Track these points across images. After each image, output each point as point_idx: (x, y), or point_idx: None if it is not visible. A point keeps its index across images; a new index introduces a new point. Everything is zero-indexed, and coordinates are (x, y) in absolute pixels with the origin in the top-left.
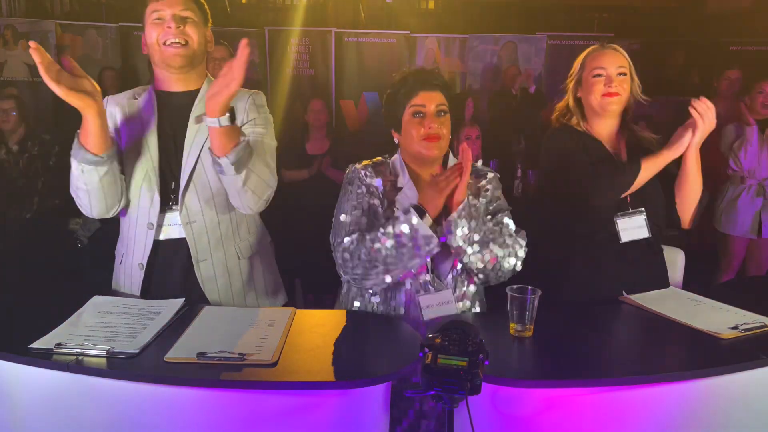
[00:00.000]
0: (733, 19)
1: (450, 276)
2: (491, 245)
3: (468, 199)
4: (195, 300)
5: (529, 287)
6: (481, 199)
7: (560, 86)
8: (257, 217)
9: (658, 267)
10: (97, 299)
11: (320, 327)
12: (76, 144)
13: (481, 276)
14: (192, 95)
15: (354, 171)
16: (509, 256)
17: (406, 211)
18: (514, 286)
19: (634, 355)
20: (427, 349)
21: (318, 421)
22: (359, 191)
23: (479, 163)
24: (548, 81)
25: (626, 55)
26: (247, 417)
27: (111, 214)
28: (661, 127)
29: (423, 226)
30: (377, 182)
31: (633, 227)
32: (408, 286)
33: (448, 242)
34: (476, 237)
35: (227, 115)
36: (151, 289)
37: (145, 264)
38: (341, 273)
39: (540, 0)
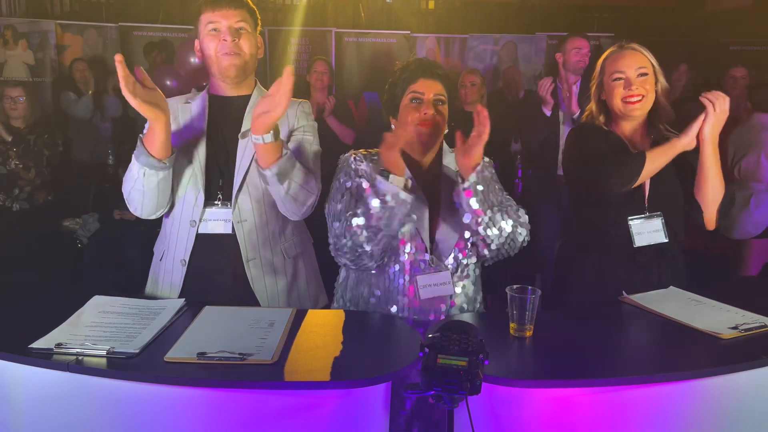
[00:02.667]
0: (733, 19)
1: (451, 256)
2: (504, 214)
3: (483, 162)
4: (243, 299)
5: (529, 287)
6: None
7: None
8: (302, 220)
9: (673, 274)
10: (97, 299)
11: (320, 327)
12: (140, 149)
13: (493, 248)
14: (244, 100)
15: (343, 160)
16: (520, 227)
17: (374, 180)
18: (514, 286)
19: (634, 355)
20: (427, 349)
21: (318, 421)
22: (348, 176)
23: None
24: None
25: (648, 53)
26: (247, 417)
27: (157, 215)
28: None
29: (392, 187)
30: (365, 165)
31: (649, 231)
32: (407, 265)
33: (465, 208)
34: (493, 201)
35: (271, 132)
36: (194, 286)
37: (187, 260)
38: (339, 259)
39: (540, 0)
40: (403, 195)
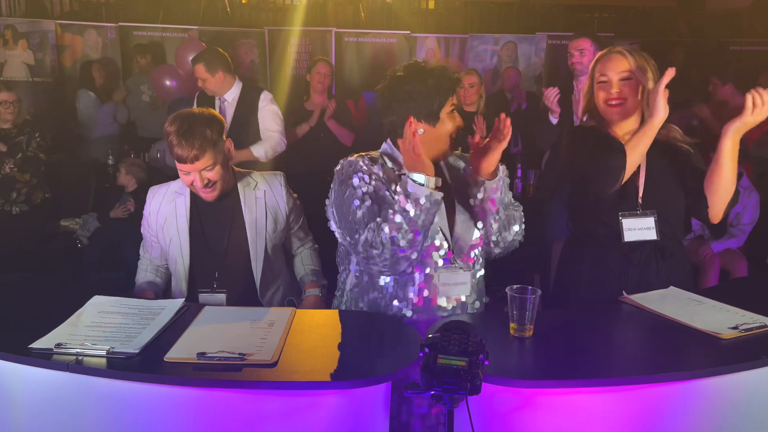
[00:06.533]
0: (733, 19)
1: (471, 254)
2: (511, 212)
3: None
4: None
5: (529, 287)
6: None
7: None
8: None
9: (671, 272)
10: (97, 299)
11: (320, 327)
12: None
13: (501, 245)
14: None
15: (350, 163)
16: (521, 224)
17: (405, 184)
18: (514, 286)
19: (634, 356)
20: (427, 349)
21: (318, 421)
22: (362, 180)
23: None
24: (548, 81)
25: (634, 58)
26: (247, 417)
27: None
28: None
29: (424, 189)
30: (377, 168)
31: (639, 228)
32: (430, 265)
33: (489, 208)
34: (507, 200)
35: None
36: None
37: None
38: (370, 268)
39: (540, 0)
40: (437, 195)
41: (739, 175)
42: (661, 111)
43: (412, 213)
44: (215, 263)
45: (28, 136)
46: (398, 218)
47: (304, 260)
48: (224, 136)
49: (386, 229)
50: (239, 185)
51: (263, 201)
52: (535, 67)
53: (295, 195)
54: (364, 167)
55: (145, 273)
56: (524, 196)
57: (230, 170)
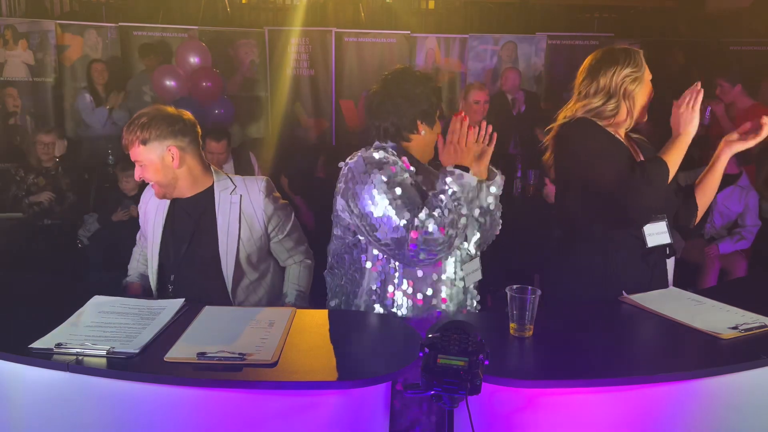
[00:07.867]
0: (733, 19)
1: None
2: (497, 213)
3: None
4: None
5: (529, 287)
6: None
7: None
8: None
9: (671, 271)
10: (97, 299)
11: (320, 327)
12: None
13: (488, 241)
14: None
15: (372, 156)
16: (500, 223)
17: (451, 174)
18: (514, 286)
19: (634, 356)
20: (427, 349)
21: (318, 421)
22: (394, 169)
23: None
24: (548, 81)
25: None
26: (247, 417)
27: None
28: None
29: (469, 177)
30: (401, 161)
31: (657, 233)
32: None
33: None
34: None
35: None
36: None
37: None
38: (422, 256)
39: (540, 0)
40: (473, 180)
41: (738, 175)
42: (696, 125)
43: (461, 197)
44: (175, 266)
45: (63, 168)
46: (445, 200)
47: (291, 277)
48: (182, 144)
49: (436, 213)
50: (216, 188)
51: (238, 206)
52: (535, 68)
53: (284, 201)
54: (392, 159)
55: (137, 263)
56: (524, 195)
57: (175, 177)
